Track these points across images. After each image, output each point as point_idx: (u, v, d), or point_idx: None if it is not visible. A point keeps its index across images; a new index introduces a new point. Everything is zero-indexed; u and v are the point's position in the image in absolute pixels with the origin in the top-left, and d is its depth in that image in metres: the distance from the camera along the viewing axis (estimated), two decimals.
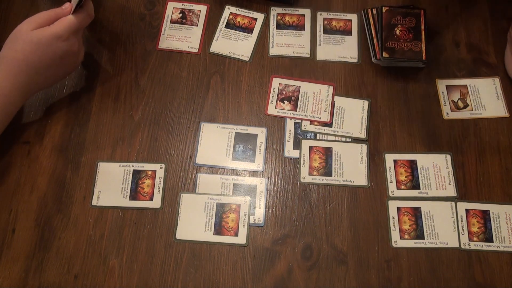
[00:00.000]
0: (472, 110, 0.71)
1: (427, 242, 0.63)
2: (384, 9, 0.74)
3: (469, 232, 0.64)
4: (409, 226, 0.64)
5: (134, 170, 0.67)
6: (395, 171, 0.67)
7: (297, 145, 0.69)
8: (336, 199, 0.66)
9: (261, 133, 0.70)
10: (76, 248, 0.63)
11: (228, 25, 0.78)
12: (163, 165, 0.67)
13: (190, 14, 0.78)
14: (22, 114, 0.70)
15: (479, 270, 0.62)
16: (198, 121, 0.71)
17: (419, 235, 0.64)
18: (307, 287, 0.61)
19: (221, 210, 0.65)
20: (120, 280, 0.61)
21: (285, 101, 0.72)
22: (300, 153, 0.68)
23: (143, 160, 0.68)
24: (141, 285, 0.61)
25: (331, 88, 0.73)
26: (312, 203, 0.65)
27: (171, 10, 0.79)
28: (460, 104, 0.72)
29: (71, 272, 0.61)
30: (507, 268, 0.62)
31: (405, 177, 0.67)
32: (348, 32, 0.77)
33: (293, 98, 0.72)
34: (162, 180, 0.67)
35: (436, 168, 0.67)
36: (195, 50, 0.76)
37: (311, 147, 0.69)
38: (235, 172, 0.67)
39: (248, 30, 0.77)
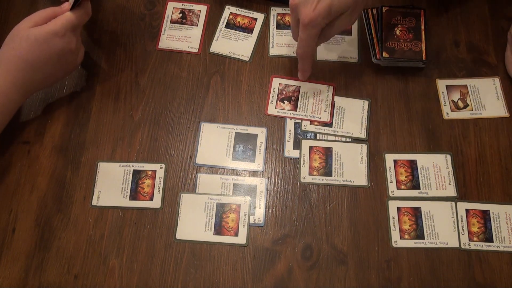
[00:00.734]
0: (472, 110, 0.71)
1: (427, 242, 0.63)
2: (384, 9, 0.75)
3: (469, 232, 0.64)
4: (409, 226, 0.64)
5: (134, 170, 0.67)
6: (395, 171, 0.67)
7: (297, 145, 0.69)
8: (336, 199, 0.66)
9: (261, 133, 0.70)
10: (76, 248, 0.63)
11: (228, 25, 0.78)
12: (163, 165, 0.67)
13: (190, 14, 0.78)
14: (22, 114, 0.70)
15: (479, 270, 0.62)
16: (198, 121, 0.71)
17: (419, 235, 0.64)
18: (307, 287, 0.61)
19: (221, 210, 0.65)
20: (120, 280, 0.61)
21: (285, 101, 0.72)
22: (300, 153, 0.68)
23: (143, 160, 0.68)
24: (141, 285, 0.61)
25: (331, 88, 0.73)
26: (312, 203, 0.65)
27: (171, 10, 0.79)
28: (460, 104, 0.72)
29: (71, 272, 0.61)
30: (507, 268, 0.62)
31: (405, 177, 0.67)
32: (348, 32, 0.77)
33: (293, 98, 0.72)
34: (162, 180, 0.67)
35: (436, 168, 0.67)
36: (195, 50, 0.76)
37: (311, 147, 0.69)
38: (235, 172, 0.67)
39: (248, 30, 0.77)
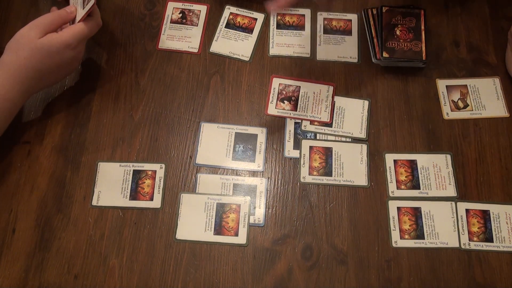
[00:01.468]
0: (472, 110, 0.71)
1: (427, 242, 0.63)
2: (384, 9, 0.75)
3: (469, 232, 0.64)
4: (409, 226, 0.64)
5: (134, 170, 0.67)
6: (395, 171, 0.67)
7: (297, 145, 0.69)
8: (336, 199, 0.66)
9: (261, 133, 0.70)
10: (76, 248, 0.63)
11: (228, 25, 0.78)
12: (163, 165, 0.67)
13: (190, 14, 0.78)
14: (22, 114, 0.70)
15: (479, 270, 0.62)
16: (198, 121, 0.71)
17: (419, 235, 0.64)
18: (307, 287, 0.61)
19: (221, 210, 0.65)
20: (120, 280, 0.61)
21: (285, 101, 0.72)
22: (300, 153, 0.68)
23: (143, 160, 0.68)
24: (141, 285, 0.61)
25: (331, 88, 0.73)
26: (312, 203, 0.65)
27: (171, 10, 0.79)
28: (460, 104, 0.72)
29: (71, 272, 0.61)
30: (507, 268, 0.62)
31: (405, 177, 0.67)
32: (348, 32, 0.77)
33: (293, 98, 0.72)
34: (162, 180, 0.67)
35: (436, 168, 0.67)
36: (195, 50, 0.76)
37: (311, 147, 0.69)
38: (235, 172, 0.67)
39: (248, 30, 0.77)
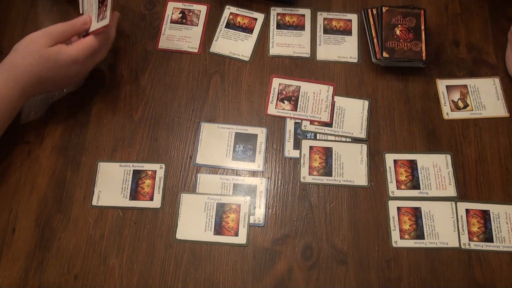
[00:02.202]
0: (472, 110, 0.71)
1: (427, 242, 0.63)
2: (384, 9, 0.74)
3: (469, 232, 0.64)
4: (409, 226, 0.64)
5: (134, 170, 0.67)
6: (395, 171, 0.67)
7: (297, 145, 0.69)
8: (336, 199, 0.66)
9: (261, 133, 0.70)
10: (76, 248, 0.63)
11: (228, 25, 0.78)
12: (163, 165, 0.67)
13: (190, 14, 0.78)
14: (22, 114, 0.70)
15: (479, 270, 0.62)
16: (198, 121, 0.71)
17: (419, 235, 0.64)
18: (307, 287, 0.61)
19: (221, 210, 0.65)
20: (120, 280, 0.61)
21: (285, 101, 0.72)
22: (300, 153, 0.68)
23: (143, 160, 0.68)
24: (141, 285, 0.61)
25: (331, 88, 0.73)
26: (312, 203, 0.65)
27: (171, 10, 0.79)
28: (460, 104, 0.72)
29: (71, 272, 0.61)
30: (507, 268, 0.62)
31: (405, 177, 0.67)
32: (348, 32, 0.77)
33: (293, 98, 0.72)
34: (162, 180, 0.67)
35: (436, 168, 0.67)
36: (195, 50, 0.76)
37: (311, 147, 0.69)
38: (235, 172, 0.67)
39: (248, 30, 0.77)
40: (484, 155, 0.68)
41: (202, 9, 0.79)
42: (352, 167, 0.68)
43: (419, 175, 0.67)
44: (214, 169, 0.68)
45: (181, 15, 0.78)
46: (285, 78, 0.74)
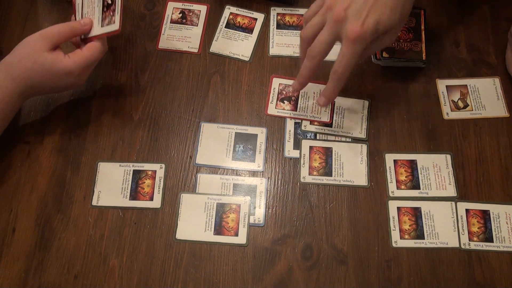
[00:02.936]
0: (472, 110, 0.71)
1: (427, 242, 0.63)
2: None
3: (469, 232, 0.64)
4: (409, 226, 0.64)
5: (134, 170, 0.67)
6: (395, 171, 0.67)
7: (297, 145, 0.69)
8: (336, 199, 0.66)
9: (261, 133, 0.70)
10: (76, 248, 0.63)
11: (228, 25, 0.78)
12: (163, 165, 0.67)
13: (190, 14, 0.78)
14: (22, 114, 0.70)
15: (479, 270, 0.62)
16: (198, 121, 0.71)
17: (419, 235, 0.64)
18: (307, 287, 0.61)
19: (221, 210, 0.65)
20: (120, 280, 0.61)
21: (285, 101, 0.72)
22: (300, 153, 0.68)
23: (143, 160, 0.68)
24: (141, 285, 0.61)
25: None
26: (312, 203, 0.65)
27: (171, 10, 0.79)
28: (460, 104, 0.72)
29: (71, 272, 0.61)
30: (507, 268, 0.62)
31: (405, 177, 0.67)
32: None
33: (293, 98, 0.72)
34: (162, 180, 0.67)
35: (436, 168, 0.67)
36: (195, 50, 0.76)
37: (311, 147, 0.69)
38: (235, 172, 0.67)
39: (248, 30, 0.77)
40: (484, 155, 0.68)
41: (202, 9, 0.79)
42: (352, 167, 0.68)
43: (419, 175, 0.67)
44: (214, 169, 0.68)
45: (181, 15, 0.78)
46: (285, 78, 0.74)
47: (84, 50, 0.63)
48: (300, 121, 0.71)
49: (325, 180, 0.67)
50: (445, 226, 0.64)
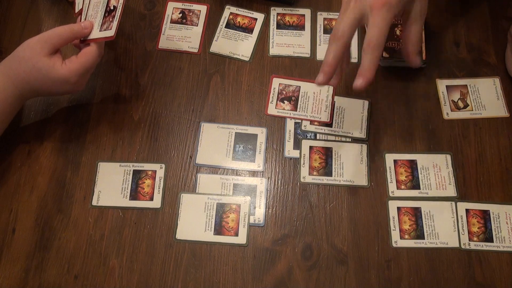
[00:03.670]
0: (472, 110, 0.71)
1: (427, 242, 0.63)
2: None
3: (469, 232, 0.64)
4: (409, 226, 0.64)
5: (134, 170, 0.67)
6: (395, 171, 0.67)
7: (297, 145, 0.69)
8: (336, 199, 0.66)
9: (261, 133, 0.70)
10: (76, 248, 0.63)
11: (228, 25, 0.78)
12: (163, 165, 0.67)
13: (190, 14, 0.78)
14: (22, 114, 0.70)
15: (479, 270, 0.62)
16: (198, 121, 0.71)
17: (419, 235, 0.64)
18: (307, 287, 0.61)
19: (221, 210, 0.65)
20: (120, 280, 0.61)
21: (285, 101, 0.72)
22: (300, 153, 0.68)
23: (143, 160, 0.68)
24: (141, 285, 0.61)
25: (331, 88, 0.73)
26: (312, 203, 0.65)
27: (171, 10, 0.79)
28: (460, 104, 0.72)
29: (71, 272, 0.61)
30: (507, 268, 0.62)
31: (405, 177, 0.67)
32: None
33: (293, 98, 0.72)
34: (162, 180, 0.67)
35: (436, 168, 0.67)
36: (195, 50, 0.76)
37: (311, 147, 0.69)
38: (235, 172, 0.67)
39: (248, 30, 0.77)
40: (484, 155, 0.68)
41: (202, 9, 0.79)
42: (352, 167, 0.68)
43: (419, 175, 0.67)
44: (214, 169, 0.68)
45: (181, 15, 0.78)
46: (285, 78, 0.74)
47: (80, 56, 0.63)
48: (300, 121, 0.71)
49: (325, 180, 0.67)
50: (445, 226, 0.64)
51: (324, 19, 0.78)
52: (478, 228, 0.64)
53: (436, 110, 0.71)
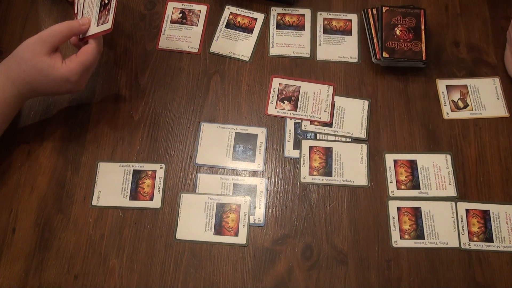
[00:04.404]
0: (472, 110, 0.71)
1: (427, 242, 0.63)
2: (384, 9, 0.74)
3: (469, 232, 0.64)
4: (409, 226, 0.64)
5: (134, 170, 0.67)
6: (395, 171, 0.67)
7: (297, 145, 0.69)
8: (336, 199, 0.66)
9: (261, 133, 0.70)
10: (76, 248, 0.63)
11: (228, 25, 0.78)
12: (163, 165, 0.67)
13: (190, 14, 0.78)
14: (22, 114, 0.70)
15: (479, 270, 0.62)
16: (198, 121, 0.71)
17: (419, 235, 0.64)
18: (307, 287, 0.61)
19: (221, 210, 0.65)
20: (120, 280, 0.61)
21: (285, 101, 0.72)
22: (300, 153, 0.68)
23: (143, 160, 0.68)
24: (141, 285, 0.61)
25: (331, 88, 0.73)
26: (312, 203, 0.65)
27: (171, 10, 0.79)
28: (460, 104, 0.72)
29: (71, 272, 0.61)
30: (507, 268, 0.62)
31: (405, 177, 0.67)
32: (348, 32, 0.77)
33: (293, 98, 0.72)
34: (162, 180, 0.67)
35: (436, 168, 0.67)
36: (195, 50, 0.76)
37: (311, 147, 0.69)
38: (235, 172, 0.67)
39: (248, 30, 0.77)
40: (484, 155, 0.68)
41: (202, 9, 0.79)
42: (352, 167, 0.68)
43: (419, 175, 0.67)
44: (214, 169, 0.68)
45: (181, 15, 0.78)
46: (285, 78, 0.74)
47: (79, 55, 0.63)
48: (300, 121, 0.71)
49: (325, 180, 0.67)
50: (445, 226, 0.64)
51: (324, 19, 0.78)
52: (478, 228, 0.64)
53: (436, 110, 0.71)
